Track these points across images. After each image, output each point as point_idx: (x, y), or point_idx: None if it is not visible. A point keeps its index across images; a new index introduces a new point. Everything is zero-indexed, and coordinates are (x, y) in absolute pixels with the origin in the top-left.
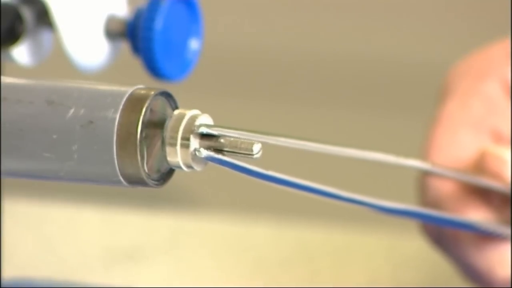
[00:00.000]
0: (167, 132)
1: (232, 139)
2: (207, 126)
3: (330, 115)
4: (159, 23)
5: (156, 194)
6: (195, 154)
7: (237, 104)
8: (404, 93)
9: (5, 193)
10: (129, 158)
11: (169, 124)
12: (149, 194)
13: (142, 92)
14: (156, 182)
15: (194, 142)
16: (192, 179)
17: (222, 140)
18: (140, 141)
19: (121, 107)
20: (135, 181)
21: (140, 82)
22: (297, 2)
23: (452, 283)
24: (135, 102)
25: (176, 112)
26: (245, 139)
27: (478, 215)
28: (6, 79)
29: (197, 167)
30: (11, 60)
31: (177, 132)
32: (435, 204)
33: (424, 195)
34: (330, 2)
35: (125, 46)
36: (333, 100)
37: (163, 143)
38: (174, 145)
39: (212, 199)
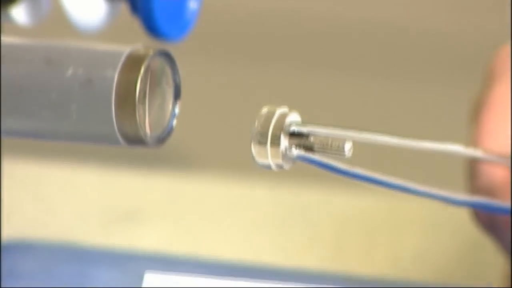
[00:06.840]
0: (255, 131)
1: (322, 137)
2: (298, 124)
3: (335, 80)
4: None
5: (155, 156)
6: (286, 153)
7: (236, 66)
8: (415, 59)
9: (4, 154)
10: (127, 117)
11: (258, 122)
12: (148, 156)
13: (141, 51)
14: (154, 142)
15: (284, 141)
16: (191, 140)
17: (311, 139)
18: (139, 100)
19: (120, 66)
20: (133, 140)
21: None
22: None
23: (452, 246)
24: (133, 61)
25: (265, 110)
26: (335, 137)
27: None
28: (5, 39)
29: (286, 166)
30: (10, 20)
31: (267, 130)
32: (487, 190)
33: (476, 181)
34: None
35: (124, 7)
36: (340, 64)
37: (253, 141)
38: (263, 143)
39: (211, 160)
